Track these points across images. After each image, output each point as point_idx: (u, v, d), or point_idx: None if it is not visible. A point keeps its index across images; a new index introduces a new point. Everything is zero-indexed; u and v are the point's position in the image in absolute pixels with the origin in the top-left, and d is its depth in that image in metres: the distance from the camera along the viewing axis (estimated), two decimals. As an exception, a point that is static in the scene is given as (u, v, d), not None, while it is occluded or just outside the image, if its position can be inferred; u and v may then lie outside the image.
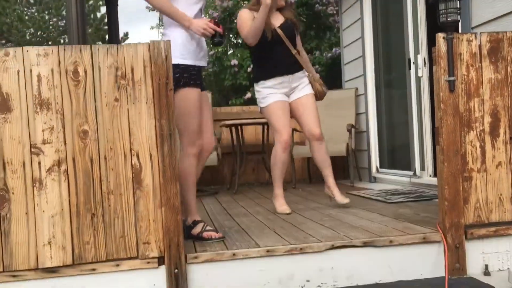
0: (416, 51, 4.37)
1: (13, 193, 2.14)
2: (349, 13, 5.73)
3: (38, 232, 2.15)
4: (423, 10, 4.32)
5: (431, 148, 4.29)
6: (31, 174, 2.15)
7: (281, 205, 3.46)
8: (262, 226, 2.95)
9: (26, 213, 2.15)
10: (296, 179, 5.41)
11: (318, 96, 3.52)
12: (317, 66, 8.06)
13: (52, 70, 2.15)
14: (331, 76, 7.69)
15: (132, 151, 2.22)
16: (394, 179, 4.84)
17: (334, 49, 8.00)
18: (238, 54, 8.31)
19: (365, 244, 2.39)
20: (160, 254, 2.23)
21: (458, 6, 2.37)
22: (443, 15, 2.37)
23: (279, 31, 3.42)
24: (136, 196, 2.23)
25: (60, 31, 16.69)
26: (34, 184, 2.15)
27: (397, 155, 5.01)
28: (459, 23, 3.48)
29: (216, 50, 8.42)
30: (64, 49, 2.16)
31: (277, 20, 3.48)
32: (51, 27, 16.43)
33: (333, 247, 2.36)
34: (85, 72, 2.18)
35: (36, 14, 16.16)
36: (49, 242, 2.16)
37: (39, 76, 2.14)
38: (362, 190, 4.60)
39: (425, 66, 4.30)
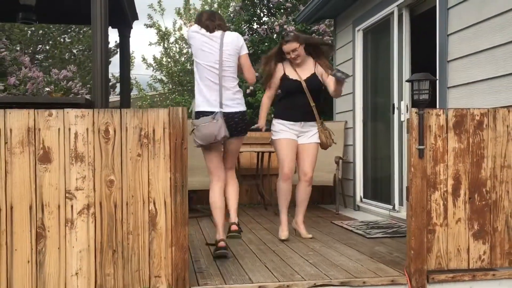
0: (400, 98, 4.82)
1: (48, 231, 2.54)
2: (342, 51, 6.18)
3: (68, 264, 2.56)
4: (408, 62, 4.77)
5: (409, 186, 4.74)
6: (64, 215, 2.56)
7: (282, 231, 4.00)
8: (255, 258, 3.37)
9: (58, 248, 2.55)
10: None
11: (323, 146, 4.00)
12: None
13: (87, 129, 2.56)
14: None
15: (149, 198, 2.64)
16: (376, 211, 5.29)
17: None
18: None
19: (342, 284, 2.82)
20: (168, 286, 2.64)
21: (429, 87, 2.81)
22: (416, 94, 2.81)
23: (304, 84, 3.90)
24: (151, 237, 2.64)
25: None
26: (66, 224, 2.56)
27: (379, 188, 5.46)
28: (437, 82, 3.95)
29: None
30: (98, 112, 2.57)
31: (305, 72, 3.94)
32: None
33: (315, 286, 2.79)
34: (114, 131, 2.59)
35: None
36: (76, 273, 2.57)
37: (76, 133, 2.56)
38: (345, 220, 5.04)
39: (407, 112, 4.76)
